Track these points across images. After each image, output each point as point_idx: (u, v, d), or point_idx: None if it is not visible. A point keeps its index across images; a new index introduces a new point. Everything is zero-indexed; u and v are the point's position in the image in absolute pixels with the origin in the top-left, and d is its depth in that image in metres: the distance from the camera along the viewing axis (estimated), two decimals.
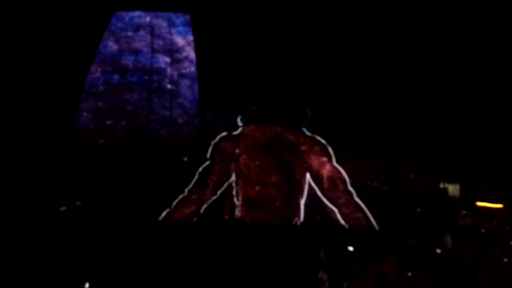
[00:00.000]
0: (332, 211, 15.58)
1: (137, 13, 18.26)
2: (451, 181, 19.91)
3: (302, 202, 15.56)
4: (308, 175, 15.65)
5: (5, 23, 16.91)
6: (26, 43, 17.58)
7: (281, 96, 17.01)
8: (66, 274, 11.30)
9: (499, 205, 19.71)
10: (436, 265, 12.79)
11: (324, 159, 15.84)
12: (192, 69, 18.17)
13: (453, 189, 20.05)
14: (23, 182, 16.09)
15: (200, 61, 18.23)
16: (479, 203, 19.97)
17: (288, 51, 17.59)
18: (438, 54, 19.09)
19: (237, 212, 16.16)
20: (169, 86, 18.03)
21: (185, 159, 17.46)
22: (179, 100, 18.01)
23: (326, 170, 15.75)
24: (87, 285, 10.00)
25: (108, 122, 17.75)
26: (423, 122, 18.42)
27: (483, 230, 16.69)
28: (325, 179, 15.65)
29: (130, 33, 18.14)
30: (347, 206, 15.49)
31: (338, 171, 15.60)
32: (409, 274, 10.75)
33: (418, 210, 16.76)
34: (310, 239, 14.22)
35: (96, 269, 11.63)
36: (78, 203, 16.22)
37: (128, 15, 18.21)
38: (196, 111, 17.99)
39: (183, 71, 18.16)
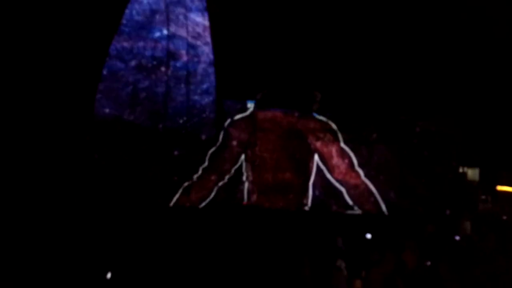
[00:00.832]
0: (340, 191, 15.85)
1: (152, 0, 18.15)
2: (471, 165, 19.68)
3: (311, 183, 15.89)
4: (316, 157, 15.95)
5: (22, 12, 17.00)
6: (43, 33, 17.66)
7: (292, 80, 17.04)
8: (81, 261, 11.50)
9: None
10: (455, 252, 12.71)
11: (332, 141, 16.12)
12: (209, 55, 18.08)
13: (472, 173, 19.81)
14: (40, 168, 16.38)
15: (216, 46, 18.13)
16: (499, 188, 19.73)
17: (301, 37, 17.52)
18: (454, 38, 18.80)
19: (252, 198, 16.20)
20: (185, 72, 17.98)
21: (201, 145, 17.53)
22: (196, 86, 17.96)
23: (334, 152, 16.02)
24: (109, 275, 10.12)
25: (126, 108, 17.78)
26: (443, 107, 18.21)
27: (504, 217, 16.49)
28: (333, 160, 15.97)
29: (146, 19, 18.05)
30: (355, 186, 15.83)
31: (346, 152, 15.93)
32: (428, 263, 10.68)
33: (438, 200, 16.71)
34: (323, 224, 14.27)
35: (112, 256, 11.80)
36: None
37: (143, 1, 18.10)
38: (213, 97, 17.94)
39: (200, 57, 18.07)
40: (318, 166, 16.05)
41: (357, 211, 15.86)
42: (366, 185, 15.96)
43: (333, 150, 16.18)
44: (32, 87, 17.28)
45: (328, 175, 15.99)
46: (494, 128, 18.92)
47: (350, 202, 15.88)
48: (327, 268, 10.53)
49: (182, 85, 18.01)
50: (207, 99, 17.95)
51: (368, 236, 12.50)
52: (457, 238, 13.28)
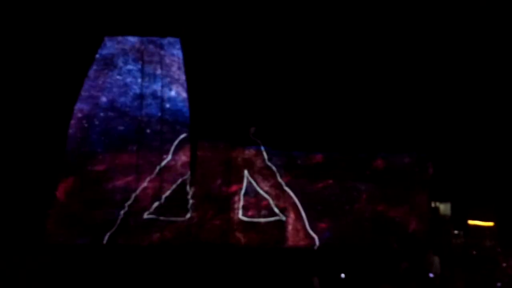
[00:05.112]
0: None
1: (127, 38, 18.24)
2: (442, 200, 19.97)
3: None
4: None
5: None
6: (17, 68, 17.64)
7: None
8: None
9: (491, 223, 19.77)
10: None
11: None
12: (183, 93, 18.17)
13: (444, 208, 20.09)
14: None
15: (190, 84, 18.28)
16: (470, 222, 20.02)
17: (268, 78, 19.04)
18: (425, 70, 19.35)
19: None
20: (159, 110, 17.99)
21: (179, 182, 17.71)
22: (170, 125, 17.97)
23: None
24: None
25: (97, 148, 17.64)
26: (415, 141, 18.60)
27: (474, 252, 16.72)
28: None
29: (120, 58, 18.08)
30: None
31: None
32: None
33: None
34: (298, 263, 14.74)
35: None
36: None
37: (117, 40, 18.17)
38: (187, 134, 17.96)
39: (174, 94, 18.14)
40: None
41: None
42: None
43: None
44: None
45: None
46: (464, 163, 19.31)
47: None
48: None
49: (156, 124, 17.98)
50: (181, 137, 17.97)
51: (342, 275, 12.53)
52: (431, 275, 13.39)
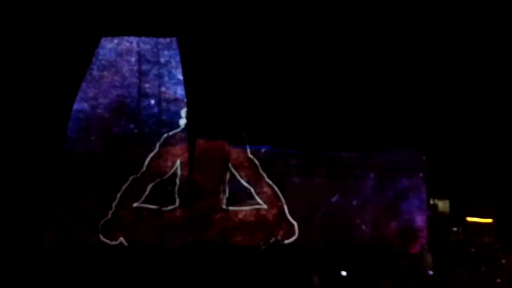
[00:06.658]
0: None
1: (124, 38, 18.21)
2: (441, 197, 20.04)
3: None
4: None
5: None
6: (15, 69, 17.65)
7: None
8: None
9: (489, 220, 19.87)
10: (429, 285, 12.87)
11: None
12: (181, 93, 18.16)
13: (443, 205, 20.16)
14: None
15: (188, 84, 18.29)
16: (469, 219, 20.11)
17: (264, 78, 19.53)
18: (424, 68, 19.42)
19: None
20: (157, 111, 17.98)
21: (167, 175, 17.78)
22: (168, 125, 17.96)
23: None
24: None
25: (95, 148, 17.62)
26: (414, 139, 18.66)
27: (473, 249, 16.80)
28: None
29: (117, 59, 18.06)
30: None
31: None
32: None
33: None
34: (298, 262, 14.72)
35: None
36: None
37: (114, 41, 18.15)
38: (185, 135, 17.96)
39: (172, 95, 18.14)
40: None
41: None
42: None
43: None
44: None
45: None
46: (463, 160, 19.38)
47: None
48: None
49: (154, 125, 17.95)
50: (179, 138, 17.96)
51: (343, 273, 12.55)
52: (431, 272, 13.44)
